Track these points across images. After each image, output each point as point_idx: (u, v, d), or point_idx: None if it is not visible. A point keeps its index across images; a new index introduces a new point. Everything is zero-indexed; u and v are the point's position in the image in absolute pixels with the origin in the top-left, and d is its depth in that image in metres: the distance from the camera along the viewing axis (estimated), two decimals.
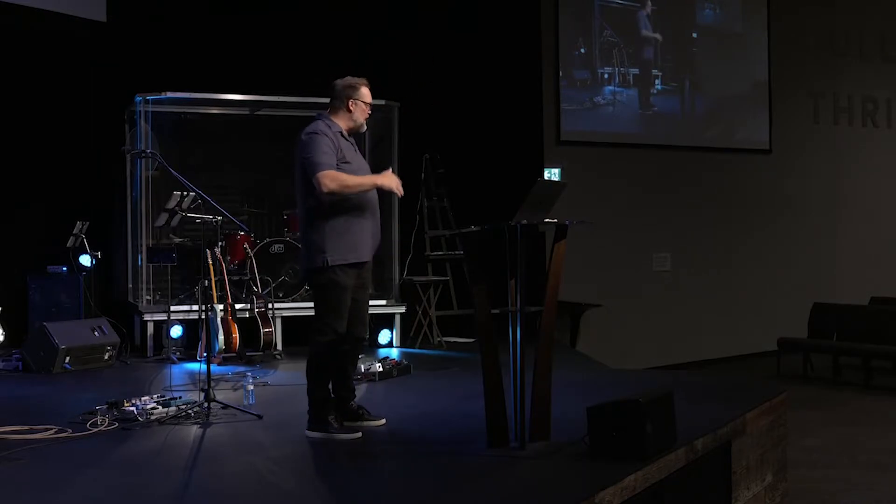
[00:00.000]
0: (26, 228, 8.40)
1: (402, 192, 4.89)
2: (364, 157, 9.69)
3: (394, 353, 8.04)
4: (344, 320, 4.77)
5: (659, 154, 11.71)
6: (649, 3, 11.79)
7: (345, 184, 4.67)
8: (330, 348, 4.77)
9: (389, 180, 4.80)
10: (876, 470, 6.52)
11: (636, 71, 11.63)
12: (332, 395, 4.89)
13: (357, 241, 4.77)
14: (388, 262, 8.80)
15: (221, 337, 7.32)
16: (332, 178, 4.64)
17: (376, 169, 5.12)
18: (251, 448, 4.61)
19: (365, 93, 4.91)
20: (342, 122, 4.87)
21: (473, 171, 9.37)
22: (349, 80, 4.92)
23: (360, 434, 4.71)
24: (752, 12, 12.69)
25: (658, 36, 11.82)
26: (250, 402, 5.64)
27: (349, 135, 4.92)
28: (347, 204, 4.73)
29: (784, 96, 12.90)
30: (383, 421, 5.00)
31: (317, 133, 4.76)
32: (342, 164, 4.73)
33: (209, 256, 7.10)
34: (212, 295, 7.25)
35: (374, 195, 4.91)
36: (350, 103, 4.87)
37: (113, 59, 8.64)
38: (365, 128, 5.01)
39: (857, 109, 13.84)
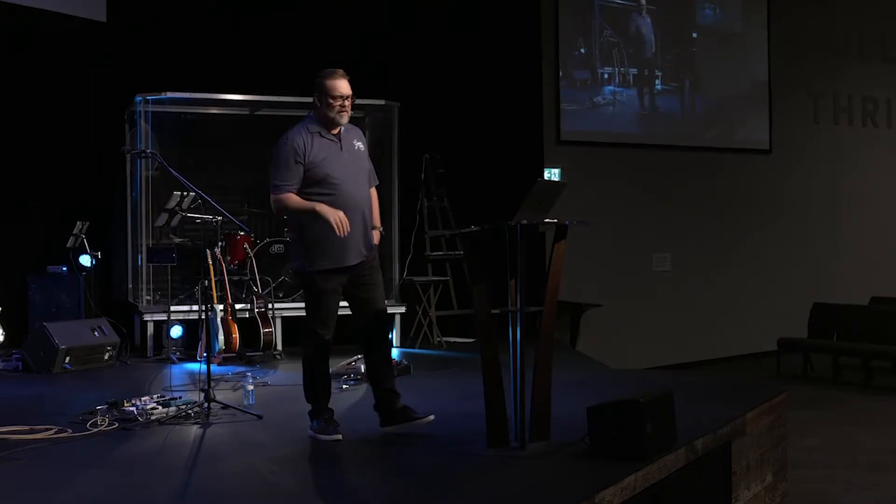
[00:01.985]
0: (26, 228, 8.40)
1: (342, 230, 4.56)
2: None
3: (394, 353, 8.03)
4: (325, 323, 4.72)
5: (659, 154, 11.71)
6: (644, 2, 11.79)
7: (287, 209, 4.68)
8: (313, 349, 4.77)
9: (329, 215, 4.55)
10: (876, 470, 6.52)
11: (636, 71, 11.63)
12: (374, 400, 4.84)
13: (337, 247, 4.64)
14: (388, 262, 8.80)
15: (221, 337, 7.32)
16: (280, 205, 4.67)
17: (376, 166, 5.05)
18: (251, 448, 4.61)
19: (329, 85, 4.66)
20: (320, 120, 4.71)
21: (473, 171, 9.37)
22: (321, 72, 4.73)
23: (340, 437, 4.67)
24: (752, 12, 12.68)
25: (651, 37, 11.85)
26: (250, 402, 5.64)
27: (334, 132, 4.72)
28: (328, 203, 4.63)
29: (784, 96, 12.89)
30: (432, 417, 4.79)
31: (284, 142, 4.65)
32: (312, 168, 4.62)
33: (209, 256, 7.11)
34: (212, 295, 7.25)
35: (360, 195, 4.75)
36: (316, 98, 4.71)
37: (113, 59, 8.64)
38: (340, 122, 4.70)
39: (857, 109, 13.84)
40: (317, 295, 4.72)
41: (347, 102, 4.68)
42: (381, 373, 4.85)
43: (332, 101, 4.65)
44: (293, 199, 4.64)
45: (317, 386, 4.83)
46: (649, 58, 11.80)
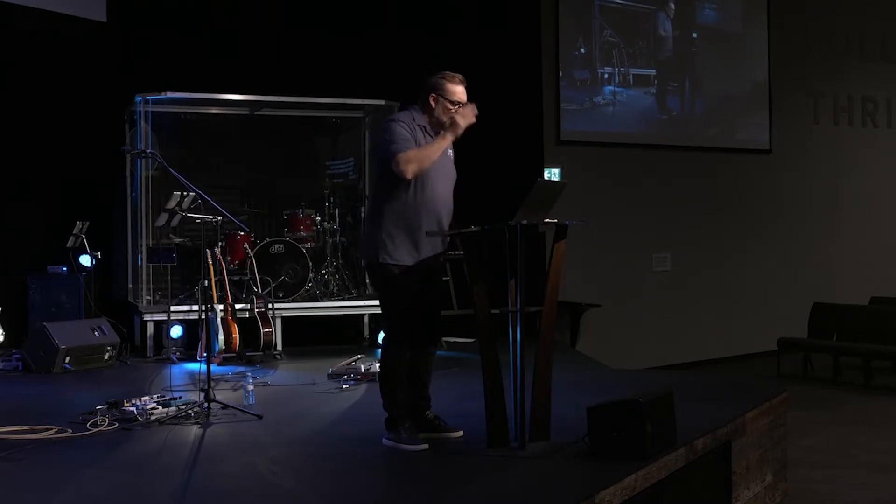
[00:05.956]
0: (26, 228, 8.40)
1: (474, 116, 4.48)
2: (365, 158, 9.71)
3: None
4: (406, 321, 4.53)
5: (659, 154, 11.71)
6: (672, 5, 11.83)
7: (421, 160, 4.40)
8: (393, 349, 4.57)
9: (458, 128, 4.46)
10: (876, 470, 6.51)
11: (637, 71, 11.64)
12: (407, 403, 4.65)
13: (415, 241, 4.52)
14: None
15: (221, 337, 7.32)
16: (406, 161, 4.37)
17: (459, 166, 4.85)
18: (251, 448, 4.61)
19: (450, 89, 4.56)
20: (426, 117, 4.58)
21: (473, 171, 9.34)
22: (439, 73, 4.61)
23: (426, 446, 4.44)
24: (752, 12, 12.68)
25: (670, 35, 11.89)
26: (250, 402, 5.64)
27: (434, 132, 4.57)
28: (415, 203, 4.49)
29: (784, 96, 12.89)
30: (461, 433, 4.68)
31: (393, 120, 4.53)
32: None
33: (209, 256, 7.10)
34: (212, 295, 7.25)
35: (446, 197, 4.64)
36: (431, 98, 4.57)
37: (113, 59, 8.64)
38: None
39: (857, 109, 13.83)
40: (391, 288, 4.53)
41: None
42: (422, 376, 4.69)
43: (450, 105, 4.55)
44: (415, 150, 4.43)
45: (394, 391, 4.55)
46: (663, 59, 11.82)
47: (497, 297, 4.50)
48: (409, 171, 4.40)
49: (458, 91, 4.58)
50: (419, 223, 4.52)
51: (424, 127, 4.57)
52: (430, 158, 4.46)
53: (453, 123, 4.49)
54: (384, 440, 4.58)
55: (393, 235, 4.51)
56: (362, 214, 9.21)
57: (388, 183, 4.50)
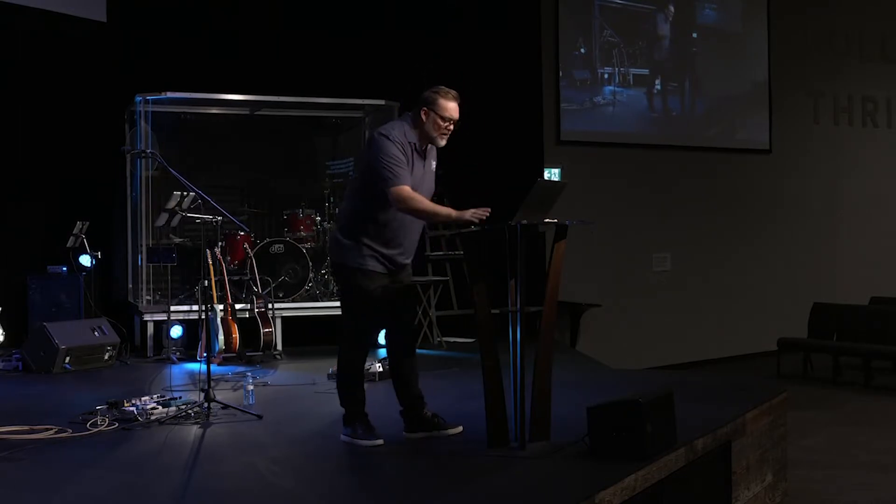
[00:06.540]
0: (26, 228, 8.40)
1: (483, 215, 4.36)
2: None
3: None
4: (365, 322, 4.63)
5: (659, 154, 11.71)
6: (671, 6, 11.83)
7: (412, 209, 4.41)
8: (350, 349, 4.67)
9: (465, 222, 4.38)
10: (876, 470, 6.51)
11: (637, 71, 11.64)
12: (400, 406, 4.73)
13: (387, 253, 4.54)
14: None
15: (221, 337, 7.32)
16: (399, 200, 4.37)
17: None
18: (251, 448, 4.61)
19: (442, 105, 4.50)
20: (417, 132, 4.54)
21: (473, 171, 9.37)
22: (434, 88, 4.56)
23: (381, 442, 4.55)
24: (752, 12, 12.69)
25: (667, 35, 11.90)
26: (250, 402, 5.64)
27: (423, 147, 4.57)
28: (390, 215, 4.49)
29: (784, 96, 12.90)
30: (460, 428, 4.72)
31: (387, 138, 4.45)
32: None
33: (209, 256, 7.10)
34: (212, 295, 7.25)
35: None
36: (423, 112, 4.52)
37: (113, 59, 8.64)
38: (439, 143, 4.58)
39: (857, 109, 13.84)
40: (357, 293, 4.56)
41: (452, 126, 4.58)
42: (409, 377, 4.74)
43: (440, 121, 4.52)
44: (418, 197, 4.43)
45: (352, 389, 4.67)
46: (663, 59, 11.83)
47: (497, 297, 4.50)
48: (400, 206, 4.42)
49: (451, 107, 4.55)
50: (391, 235, 4.55)
51: (415, 144, 4.54)
52: (421, 214, 4.48)
53: (464, 219, 4.38)
54: (342, 436, 4.65)
55: (362, 242, 4.53)
56: None
57: (367, 191, 4.51)
